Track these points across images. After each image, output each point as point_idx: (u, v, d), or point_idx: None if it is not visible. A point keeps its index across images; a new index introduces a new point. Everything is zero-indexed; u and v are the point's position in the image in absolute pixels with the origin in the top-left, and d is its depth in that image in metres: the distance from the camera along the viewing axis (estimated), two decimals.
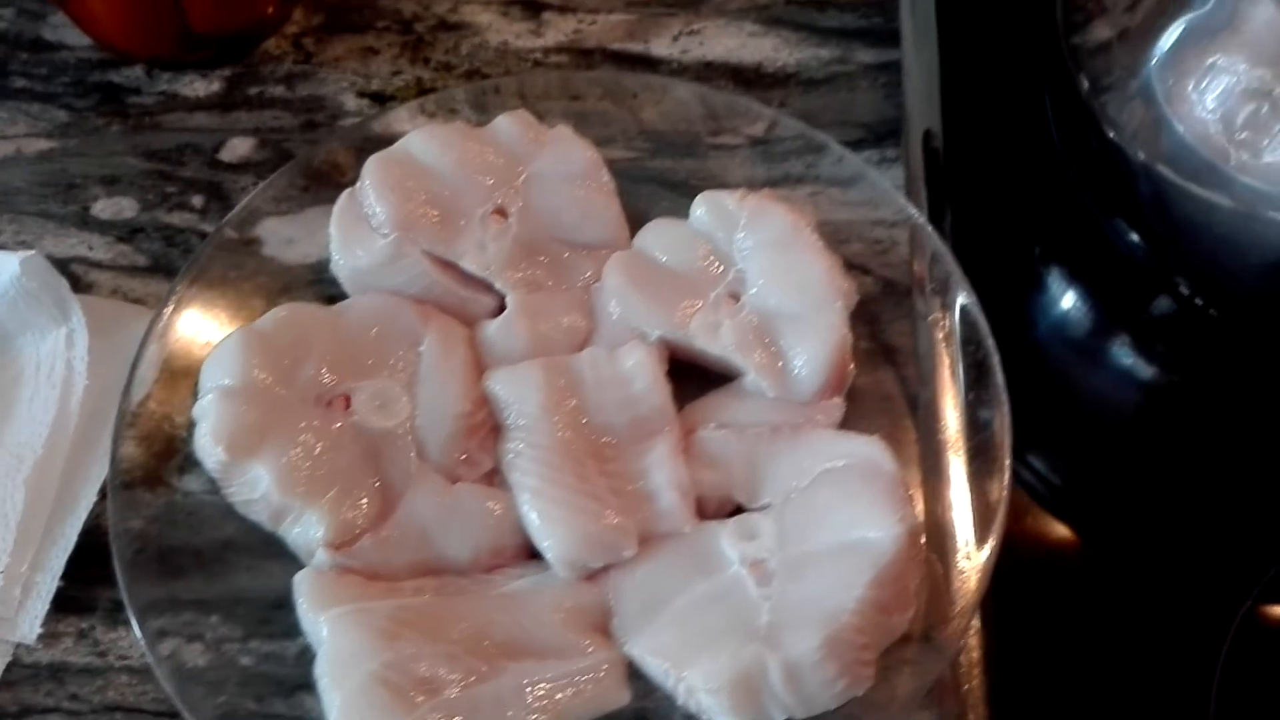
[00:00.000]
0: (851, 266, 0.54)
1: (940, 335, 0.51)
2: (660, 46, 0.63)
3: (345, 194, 0.49)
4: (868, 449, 0.43)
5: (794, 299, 0.48)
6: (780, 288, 0.48)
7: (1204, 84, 0.46)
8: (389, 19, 0.63)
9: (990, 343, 0.46)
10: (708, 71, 0.62)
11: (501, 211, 0.49)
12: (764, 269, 0.48)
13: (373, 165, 0.49)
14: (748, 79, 0.62)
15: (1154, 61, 0.49)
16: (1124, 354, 0.57)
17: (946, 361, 0.50)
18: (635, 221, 0.54)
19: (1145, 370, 0.56)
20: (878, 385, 0.51)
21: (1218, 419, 0.55)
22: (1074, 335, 0.58)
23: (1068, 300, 0.58)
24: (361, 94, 0.61)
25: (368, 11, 0.64)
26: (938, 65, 0.61)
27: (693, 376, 0.50)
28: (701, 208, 0.50)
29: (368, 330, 0.46)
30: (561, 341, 0.48)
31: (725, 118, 0.58)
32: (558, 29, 0.63)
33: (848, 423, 0.49)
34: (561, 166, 0.51)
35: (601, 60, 0.62)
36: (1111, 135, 0.51)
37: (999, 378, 0.46)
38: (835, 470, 0.43)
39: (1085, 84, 0.53)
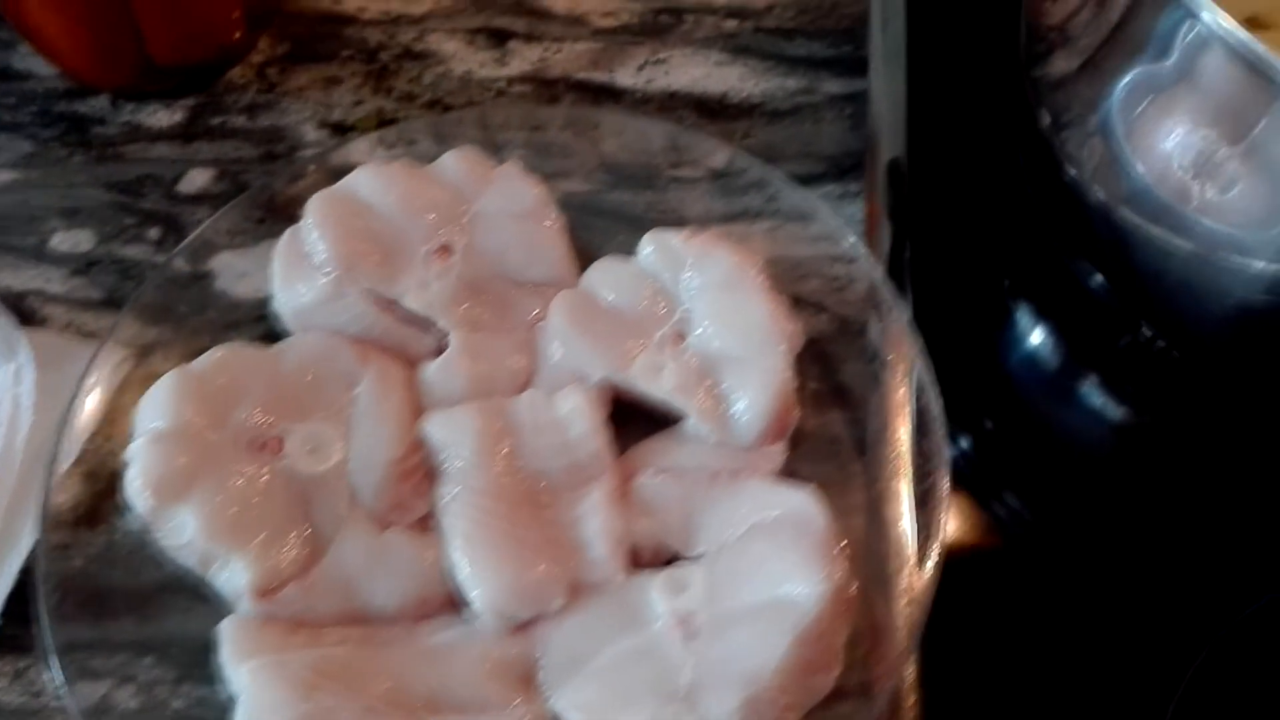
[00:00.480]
0: (807, 304, 0.53)
1: (890, 378, 0.50)
2: (625, 76, 0.62)
3: (288, 232, 0.49)
4: (800, 501, 0.42)
5: (737, 342, 0.47)
6: (724, 330, 0.47)
7: (1160, 129, 0.45)
8: (354, 47, 0.63)
9: (933, 391, 0.45)
10: (671, 102, 0.61)
11: (446, 249, 0.49)
12: (709, 310, 0.48)
13: (315, 203, 0.49)
14: (712, 109, 0.61)
15: (1112, 99, 0.48)
16: (1093, 393, 0.56)
17: (897, 406, 0.49)
18: (589, 257, 0.53)
19: (1115, 410, 0.55)
20: (826, 428, 0.50)
21: (1188, 461, 0.53)
22: (1044, 370, 0.57)
23: (1036, 336, 0.57)
24: (322, 124, 0.61)
25: (333, 40, 0.63)
26: (905, 94, 0.61)
27: (640, 418, 0.50)
28: (649, 247, 0.50)
29: (305, 372, 0.46)
30: (503, 382, 0.47)
31: (686, 149, 0.57)
32: (523, 58, 0.63)
33: (794, 466, 0.48)
34: (508, 204, 0.50)
35: (565, 90, 0.62)
36: (1071, 173, 0.50)
37: (940, 430, 0.45)
38: (768, 522, 0.42)
39: (1046, 119, 0.52)
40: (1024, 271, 0.58)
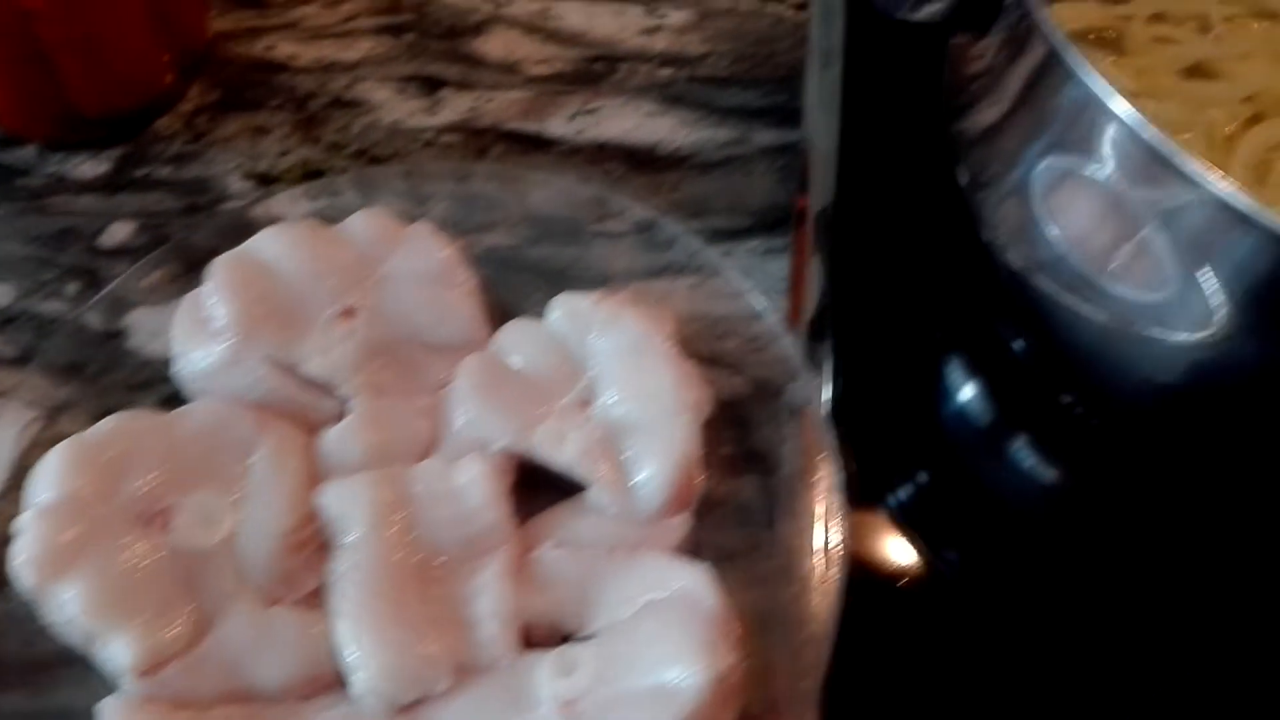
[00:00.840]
0: (725, 364, 0.52)
1: (801, 446, 0.49)
2: (556, 126, 0.62)
3: (188, 296, 0.49)
4: (692, 580, 0.41)
5: (642, 410, 0.46)
6: (629, 397, 0.46)
7: (1069, 198, 0.44)
8: (283, 95, 0.63)
9: (835, 462, 0.45)
10: (601, 154, 0.61)
11: (350, 313, 0.48)
12: (615, 377, 0.47)
13: (217, 267, 0.48)
14: (641, 161, 0.60)
15: (1025, 163, 0.47)
16: (1024, 453, 0.55)
17: (806, 475, 0.48)
18: (509, 314, 0.53)
19: (1045, 471, 0.54)
20: (737, 494, 0.49)
21: (1118, 526, 0.52)
22: (975, 427, 0.56)
23: (967, 392, 0.56)
24: (248, 175, 0.60)
25: (263, 88, 0.63)
26: (838, 142, 0.60)
27: (551, 485, 0.49)
28: (558, 310, 0.49)
29: (200, 440, 0.45)
30: (405, 450, 0.46)
31: (611, 203, 0.57)
32: (453, 107, 0.62)
33: (702, 535, 0.47)
34: (417, 265, 0.49)
35: (494, 140, 0.61)
36: (988, 235, 0.49)
37: (841, 500, 0.44)
38: (660, 601, 0.41)
39: (965, 177, 0.51)
40: (954, 326, 0.58)
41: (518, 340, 0.49)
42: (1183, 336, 0.42)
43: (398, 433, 0.46)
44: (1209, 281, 0.40)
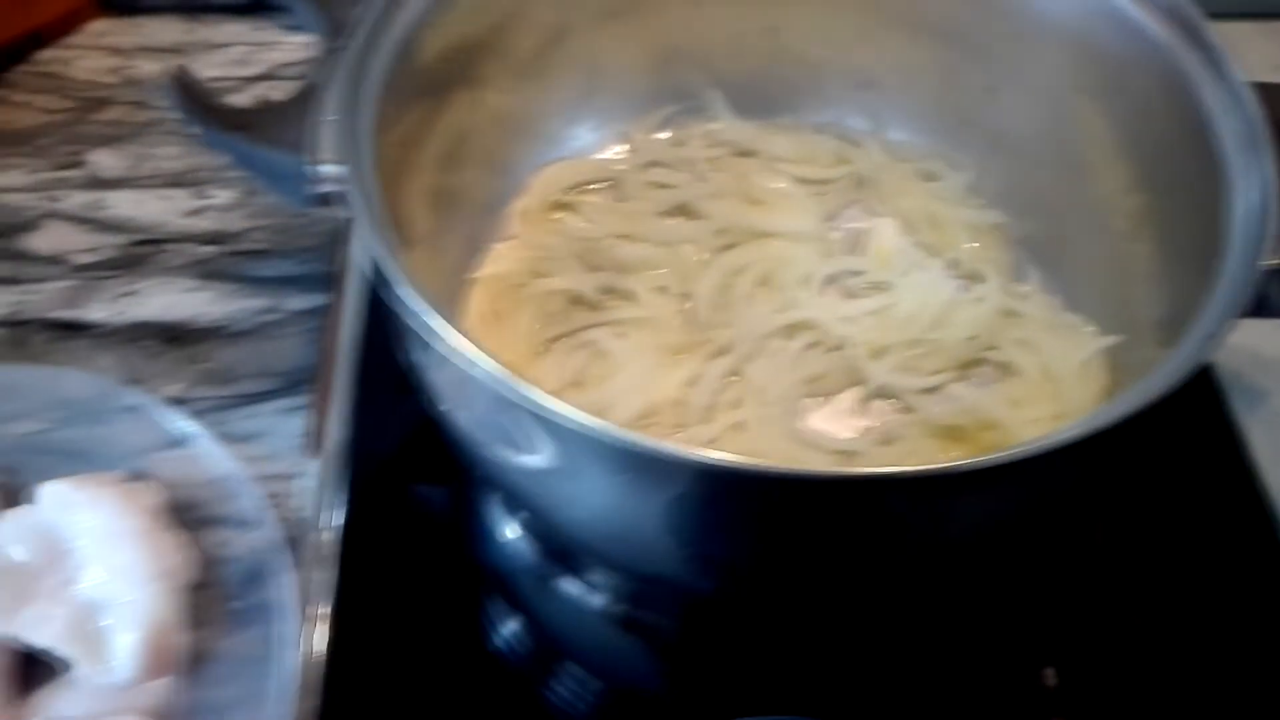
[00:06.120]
0: (241, 522, 0.55)
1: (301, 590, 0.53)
2: (97, 310, 0.64)
3: None
4: None
5: (120, 584, 0.49)
6: (109, 573, 0.49)
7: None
8: None
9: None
10: (137, 332, 0.63)
11: None
12: (95, 555, 0.50)
13: None
14: (176, 335, 0.63)
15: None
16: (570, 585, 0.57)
17: (298, 628, 0.51)
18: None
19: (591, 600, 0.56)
20: (246, 647, 0.52)
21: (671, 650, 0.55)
22: (522, 562, 0.59)
23: (509, 530, 0.59)
24: None
25: None
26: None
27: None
28: (44, 498, 0.51)
29: None
30: None
31: (145, 381, 0.60)
32: None
33: (209, 689, 0.50)
34: None
35: (38, 330, 0.64)
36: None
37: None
38: None
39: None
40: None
41: (14, 532, 0.51)
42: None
43: None
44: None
